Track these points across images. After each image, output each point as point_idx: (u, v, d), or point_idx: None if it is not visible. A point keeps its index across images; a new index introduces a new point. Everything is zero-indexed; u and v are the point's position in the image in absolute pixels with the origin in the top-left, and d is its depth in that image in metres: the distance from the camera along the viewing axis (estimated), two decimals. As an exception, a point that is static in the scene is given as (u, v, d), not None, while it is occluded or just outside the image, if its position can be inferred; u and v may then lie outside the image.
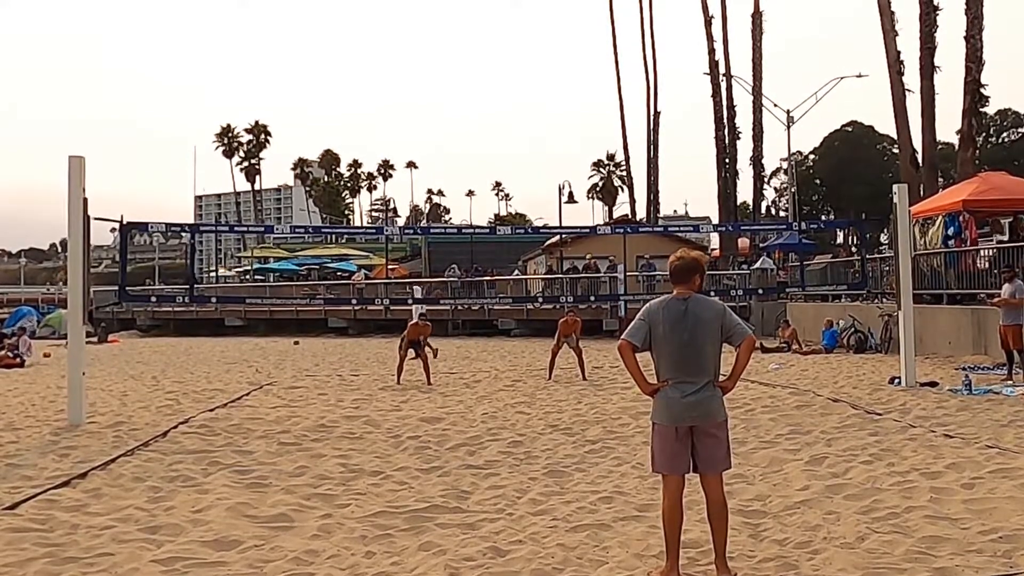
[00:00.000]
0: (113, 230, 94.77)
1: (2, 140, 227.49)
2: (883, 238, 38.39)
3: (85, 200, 10.64)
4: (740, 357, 4.62)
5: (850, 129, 77.65)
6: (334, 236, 65.98)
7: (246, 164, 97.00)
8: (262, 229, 34.87)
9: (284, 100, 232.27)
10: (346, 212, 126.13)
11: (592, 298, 23.71)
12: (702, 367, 4.57)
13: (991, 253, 17.40)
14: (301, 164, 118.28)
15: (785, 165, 65.46)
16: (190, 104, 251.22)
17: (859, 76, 39.82)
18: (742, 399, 11.74)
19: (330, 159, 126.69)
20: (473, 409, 11.64)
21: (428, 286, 39.50)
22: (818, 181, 78.76)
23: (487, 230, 28.11)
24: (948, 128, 46.28)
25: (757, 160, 43.47)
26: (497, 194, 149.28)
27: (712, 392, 4.60)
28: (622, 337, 4.68)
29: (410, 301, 23.84)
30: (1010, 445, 7.93)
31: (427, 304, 32.30)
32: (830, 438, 8.67)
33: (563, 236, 31.19)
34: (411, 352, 15.54)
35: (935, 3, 26.96)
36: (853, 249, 31.69)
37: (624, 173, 65.19)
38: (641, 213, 53.73)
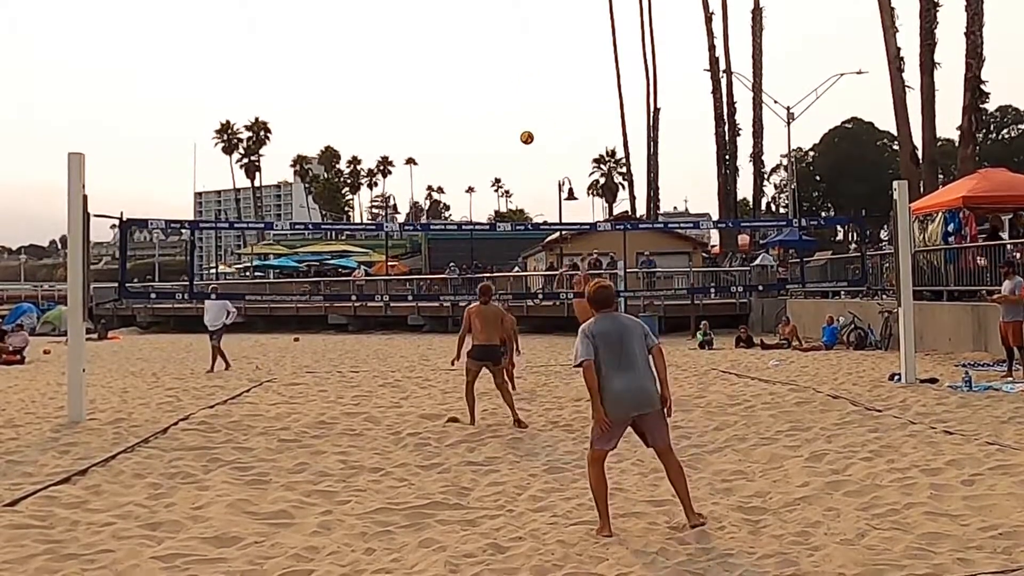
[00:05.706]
0: (113, 227, 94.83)
1: (2, 137, 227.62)
2: (883, 235, 38.36)
3: (85, 197, 10.64)
4: (658, 364, 5.66)
5: (850, 126, 77.65)
6: (334, 233, 65.89)
7: (246, 161, 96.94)
8: (262, 226, 34.73)
9: (284, 97, 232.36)
10: (346, 209, 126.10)
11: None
12: (636, 358, 5.59)
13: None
14: (301, 161, 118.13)
15: (785, 161, 65.49)
16: (190, 101, 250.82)
17: (859, 72, 40.00)
18: (742, 396, 11.76)
19: (330, 156, 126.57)
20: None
21: (426, 283, 39.42)
22: (818, 177, 78.78)
23: (487, 227, 27.96)
24: (948, 124, 46.27)
25: (757, 156, 43.53)
26: (497, 191, 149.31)
27: (651, 379, 5.59)
28: (581, 359, 5.52)
29: (213, 297, 19.14)
30: (1010, 442, 7.93)
31: (424, 301, 32.34)
32: (830, 435, 8.68)
33: (563, 233, 31.16)
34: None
35: (935, -1, 26.98)
36: (853, 246, 31.72)
37: (624, 170, 65.20)
38: (641, 210, 53.78)
